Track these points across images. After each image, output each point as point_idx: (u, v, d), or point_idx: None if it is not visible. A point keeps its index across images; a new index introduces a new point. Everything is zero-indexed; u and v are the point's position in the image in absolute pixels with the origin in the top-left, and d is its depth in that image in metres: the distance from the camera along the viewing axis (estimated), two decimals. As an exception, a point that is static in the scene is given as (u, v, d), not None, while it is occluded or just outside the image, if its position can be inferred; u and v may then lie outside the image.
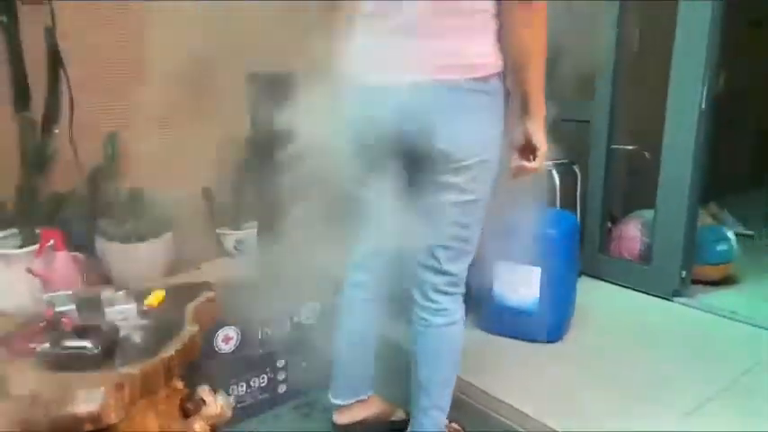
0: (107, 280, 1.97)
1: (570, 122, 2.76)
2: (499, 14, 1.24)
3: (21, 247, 1.82)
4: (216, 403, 1.34)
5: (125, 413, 0.97)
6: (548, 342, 2.08)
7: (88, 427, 0.93)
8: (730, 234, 2.59)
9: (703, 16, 2.20)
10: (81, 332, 1.06)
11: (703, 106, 2.24)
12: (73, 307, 1.15)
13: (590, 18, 2.63)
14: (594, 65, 2.60)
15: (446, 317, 1.38)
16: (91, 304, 1.19)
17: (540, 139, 1.34)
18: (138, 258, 2.00)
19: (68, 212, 1.91)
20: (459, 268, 1.37)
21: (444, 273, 1.35)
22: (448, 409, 1.50)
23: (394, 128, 1.22)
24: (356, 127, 1.28)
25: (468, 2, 1.19)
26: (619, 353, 2.05)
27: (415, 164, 1.26)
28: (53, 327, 1.11)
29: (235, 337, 1.76)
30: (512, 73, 1.29)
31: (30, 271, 1.74)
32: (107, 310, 1.15)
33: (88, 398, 0.94)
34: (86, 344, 1.02)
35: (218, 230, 2.34)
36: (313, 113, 1.33)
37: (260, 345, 1.82)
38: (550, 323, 2.09)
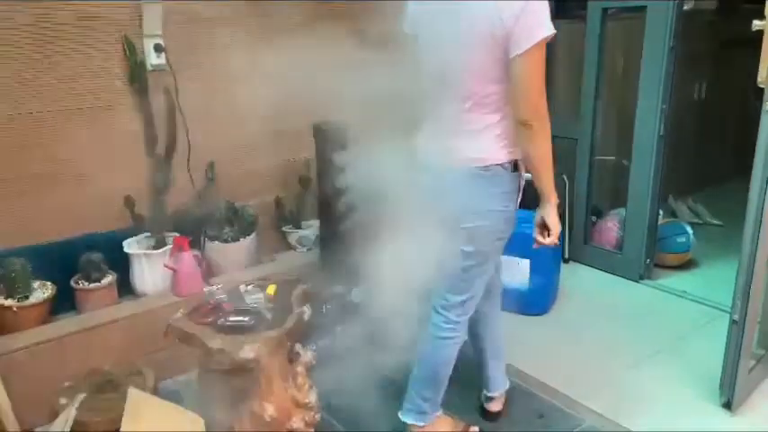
0: (211, 270, 2.70)
1: (562, 139, 3.37)
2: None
3: (155, 248, 2.54)
4: (306, 354, 2.05)
5: (268, 358, 1.69)
6: (537, 315, 2.78)
7: (251, 365, 1.65)
8: (688, 228, 3.20)
9: (658, 71, 2.78)
10: (238, 312, 1.77)
11: (662, 133, 2.85)
12: (225, 296, 1.86)
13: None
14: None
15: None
16: (232, 294, 1.91)
17: (552, 221, 1.72)
18: (233, 253, 2.71)
19: (185, 221, 2.63)
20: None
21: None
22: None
23: None
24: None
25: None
26: (589, 322, 2.73)
27: None
28: (217, 308, 1.82)
29: (307, 312, 2.47)
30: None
31: (166, 266, 2.48)
32: (247, 298, 1.86)
33: (250, 349, 1.65)
34: (245, 318, 1.73)
35: (284, 229, 3.05)
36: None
37: (324, 316, 2.54)
38: (538, 301, 2.77)
